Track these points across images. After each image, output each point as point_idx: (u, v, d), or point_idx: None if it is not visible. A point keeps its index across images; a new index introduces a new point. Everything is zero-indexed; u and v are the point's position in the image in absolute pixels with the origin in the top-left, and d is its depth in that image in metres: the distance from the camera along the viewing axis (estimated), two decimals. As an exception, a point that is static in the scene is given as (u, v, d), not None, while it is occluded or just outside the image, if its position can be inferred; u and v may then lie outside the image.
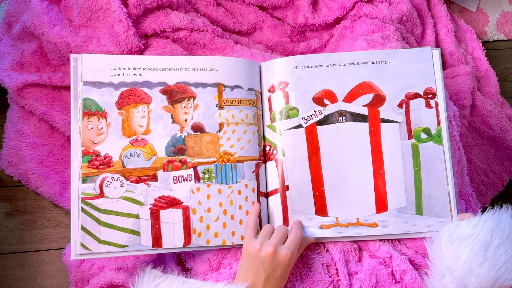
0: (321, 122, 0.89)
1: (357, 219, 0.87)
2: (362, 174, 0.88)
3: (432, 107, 0.89)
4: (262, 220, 0.87)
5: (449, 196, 0.86)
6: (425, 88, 0.89)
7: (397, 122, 0.89)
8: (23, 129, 1.10)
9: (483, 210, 0.83)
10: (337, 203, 0.87)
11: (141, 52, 0.99)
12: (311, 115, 0.89)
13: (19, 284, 1.09)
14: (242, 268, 0.80)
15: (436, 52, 0.91)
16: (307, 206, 0.87)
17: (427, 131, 0.88)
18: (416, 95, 0.89)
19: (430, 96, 0.89)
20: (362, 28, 1.10)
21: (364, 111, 0.89)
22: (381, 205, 0.87)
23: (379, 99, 0.89)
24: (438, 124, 0.88)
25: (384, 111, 0.89)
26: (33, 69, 1.10)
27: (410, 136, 0.88)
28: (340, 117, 0.89)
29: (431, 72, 0.90)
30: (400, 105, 0.89)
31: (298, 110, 0.89)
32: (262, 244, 0.79)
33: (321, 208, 0.87)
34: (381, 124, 0.89)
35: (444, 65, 1.30)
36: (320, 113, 0.89)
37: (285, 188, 0.88)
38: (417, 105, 0.89)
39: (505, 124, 1.26)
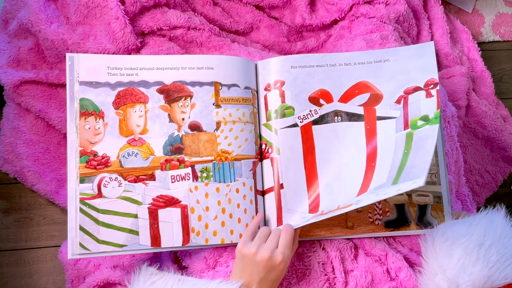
0: (316, 122, 0.89)
1: (338, 206, 0.83)
2: (356, 173, 0.87)
3: (433, 96, 0.85)
4: (258, 219, 0.87)
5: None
6: (427, 80, 0.86)
7: (394, 118, 0.88)
8: (19, 126, 1.10)
9: (478, 210, 0.84)
10: (330, 200, 0.86)
11: (138, 50, 0.99)
12: (306, 115, 0.89)
13: (14, 281, 1.09)
14: (236, 269, 0.80)
15: (431, 44, 0.89)
16: (301, 205, 0.87)
17: (424, 118, 0.85)
18: (416, 89, 0.87)
19: (432, 86, 0.86)
20: (360, 28, 1.10)
21: (360, 110, 0.89)
22: (362, 190, 0.85)
23: (375, 98, 0.89)
24: (438, 108, 0.83)
25: (381, 109, 0.88)
26: (29, 66, 1.09)
27: (406, 126, 0.86)
28: (336, 117, 0.89)
29: (433, 65, 0.87)
30: (398, 101, 0.88)
31: (294, 109, 0.89)
32: (258, 248, 0.78)
33: (315, 207, 0.87)
34: (378, 121, 0.88)
35: (440, 66, 1.30)
36: (316, 112, 0.89)
37: (280, 186, 0.88)
38: (416, 97, 0.87)
39: (500, 125, 1.27)
